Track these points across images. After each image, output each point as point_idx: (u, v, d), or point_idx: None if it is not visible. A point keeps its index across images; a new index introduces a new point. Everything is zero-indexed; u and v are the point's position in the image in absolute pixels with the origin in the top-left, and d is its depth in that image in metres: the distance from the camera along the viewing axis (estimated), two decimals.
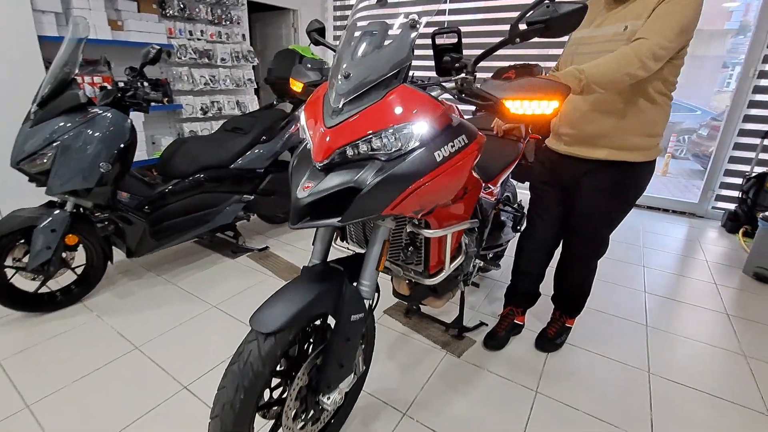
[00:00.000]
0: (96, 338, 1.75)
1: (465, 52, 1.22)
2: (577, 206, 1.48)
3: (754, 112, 3.29)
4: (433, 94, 1.04)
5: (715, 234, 3.31)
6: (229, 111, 3.52)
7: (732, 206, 3.42)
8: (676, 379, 1.63)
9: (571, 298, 1.73)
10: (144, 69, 1.97)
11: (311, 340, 1.13)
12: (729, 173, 3.51)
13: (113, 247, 2.03)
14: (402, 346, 1.76)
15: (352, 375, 1.11)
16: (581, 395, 1.53)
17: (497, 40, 0.95)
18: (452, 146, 1.00)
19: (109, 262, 1.99)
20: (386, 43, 1.00)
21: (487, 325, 1.91)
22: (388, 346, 1.76)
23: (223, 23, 3.29)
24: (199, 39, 3.23)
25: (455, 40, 1.17)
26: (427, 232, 1.09)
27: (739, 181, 3.41)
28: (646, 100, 1.27)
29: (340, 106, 0.94)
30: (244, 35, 3.50)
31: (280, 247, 2.70)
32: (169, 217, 2.15)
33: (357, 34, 1.06)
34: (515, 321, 1.84)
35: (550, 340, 1.76)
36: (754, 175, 3.23)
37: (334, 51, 1.30)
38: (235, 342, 1.72)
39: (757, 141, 3.27)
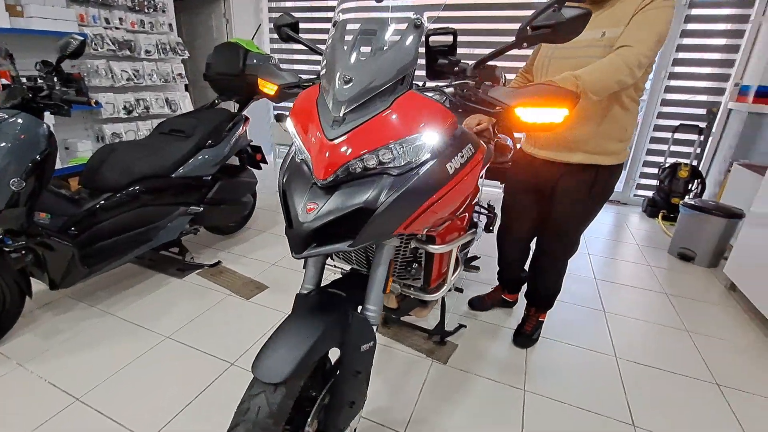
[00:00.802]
0: (21, 393, 1.43)
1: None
2: (554, 208, 1.52)
3: (666, 109, 3.72)
4: (434, 99, 0.97)
5: (638, 219, 3.70)
6: (157, 110, 3.13)
7: (650, 193, 3.83)
8: (639, 360, 1.76)
9: (545, 295, 1.79)
10: (61, 64, 1.65)
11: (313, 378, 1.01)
12: (647, 164, 3.94)
13: (33, 278, 1.68)
14: (387, 359, 1.69)
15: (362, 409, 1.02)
16: (564, 388, 1.59)
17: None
18: (462, 156, 0.94)
19: (27, 297, 1.65)
20: (387, 44, 0.91)
21: (465, 326, 1.92)
22: (379, 363, 1.68)
23: (146, 11, 2.90)
24: (117, 28, 2.80)
25: (450, 41, 1.11)
26: (433, 248, 1.03)
27: (655, 170, 3.83)
28: (620, 107, 1.33)
29: (342, 114, 0.84)
30: (171, 25, 3.11)
31: (234, 261, 2.46)
32: (101, 238, 1.84)
33: (349, 33, 0.95)
34: (504, 297, 2.06)
35: (527, 336, 1.81)
36: (667, 165, 3.65)
37: (313, 50, 1.18)
38: (202, 377, 1.54)
39: (668, 135, 3.70)
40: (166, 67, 3.12)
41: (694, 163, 3.62)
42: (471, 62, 1.02)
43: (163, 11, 3.05)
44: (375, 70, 0.85)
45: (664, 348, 1.87)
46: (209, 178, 2.27)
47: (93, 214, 1.78)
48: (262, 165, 2.75)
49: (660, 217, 3.58)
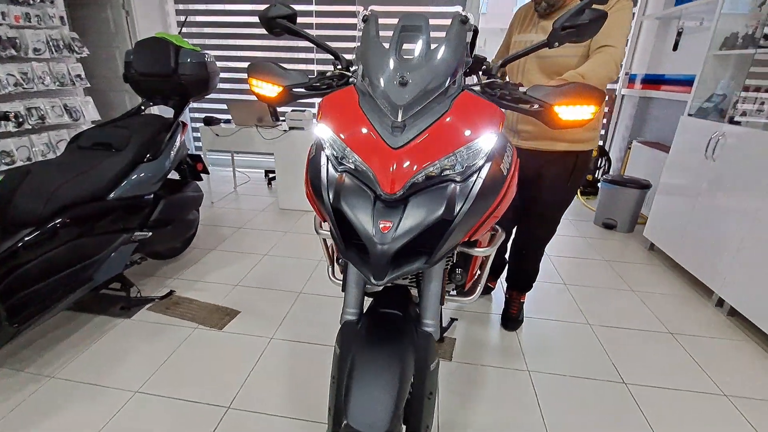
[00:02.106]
0: None
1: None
2: (539, 194, 1.62)
3: None
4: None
5: None
6: (55, 120, 2.57)
7: None
8: (608, 324, 1.98)
9: (527, 277, 1.90)
10: None
11: None
12: None
13: None
14: None
15: None
16: (559, 361, 1.71)
17: None
18: (508, 157, 0.94)
19: None
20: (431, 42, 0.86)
21: (457, 319, 1.95)
22: None
23: (30, 2, 2.34)
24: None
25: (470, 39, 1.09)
26: (479, 251, 1.01)
27: None
28: None
29: (403, 120, 0.77)
30: (62, 18, 2.56)
31: (189, 288, 2.17)
32: (28, 285, 1.46)
33: (386, 29, 0.88)
34: (487, 284, 2.08)
35: (514, 319, 1.91)
36: None
37: (322, 47, 1.07)
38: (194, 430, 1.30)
39: None
40: (61, 67, 2.57)
41: (600, 143, 4.16)
42: (498, 61, 1.02)
43: (51, 2, 2.50)
44: (432, 70, 0.79)
45: (620, 308, 2.13)
46: (151, 197, 1.95)
47: (13, 255, 1.40)
48: (203, 176, 2.46)
49: (579, 192, 4.05)
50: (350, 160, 0.80)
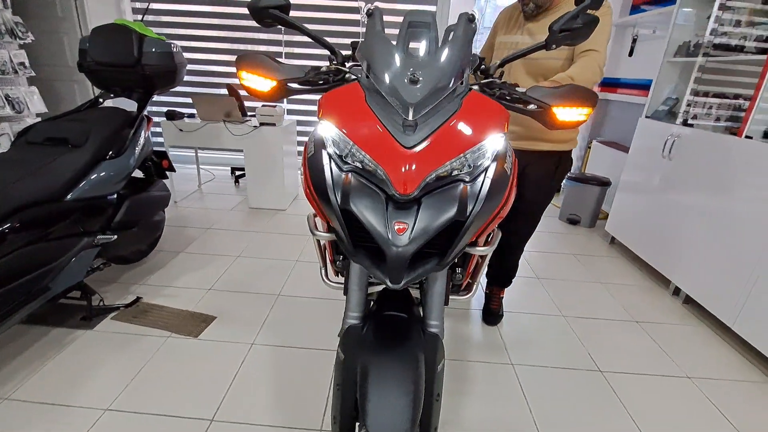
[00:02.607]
0: None
1: None
2: (524, 193, 1.66)
3: None
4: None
5: None
6: None
7: None
8: (580, 315, 2.08)
9: (507, 273, 1.95)
10: None
11: None
12: None
13: None
14: None
15: None
16: (538, 353, 1.77)
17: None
18: (509, 157, 0.94)
19: None
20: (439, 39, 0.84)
21: None
22: None
23: None
24: None
25: None
26: (480, 250, 1.01)
27: None
28: None
29: (414, 118, 0.75)
30: (4, 1, 2.30)
31: (157, 294, 2.03)
32: None
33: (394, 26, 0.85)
34: None
35: (495, 314, 1.96)
36: None
37: (318, 40, 1.02)
38: None
39: None
40: (2, 54, 2.30)
41: None
42: (496, 61, 1.02)
43: None
44: (442, 68, 0.78)
45: (589, 299, 2.24)
46: (114, 197, 1.80)
47: None
48: (168, 173, 2.31)
49: None
50: (357, 159, 0.77)
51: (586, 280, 2.45)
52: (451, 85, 0.79)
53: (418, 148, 0.74)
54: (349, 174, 0.79)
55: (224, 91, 3.54)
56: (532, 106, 0.95)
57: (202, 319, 1.85)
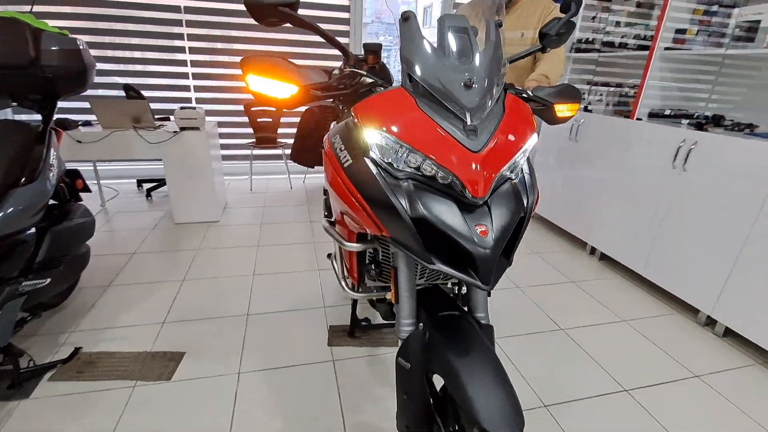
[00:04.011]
0: None
1: None
2: None
3: None
4: None
5: None
6: None
7: None
8: (528, 283, 2.35)
9: None
10: None
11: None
12: None
13: None
14: (388, 369, 1.64)
15: None
16: (511, 324, 1.97)
17: None
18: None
19: None
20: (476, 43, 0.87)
21: None
22: (378, 375, 1.60)
23: None
24: None
25: None
26: None
27: None
28: None
29: (475, 123, 0.78)
30: None
31: (95, 339, 1.71)
32: None
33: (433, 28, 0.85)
34: None
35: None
36: None
37: (330, 40, 0.97)
38: None
39: None
40: None
41: None
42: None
43: None
44: (491, 72, 0.81)
45: (532, 270, 2.54)
46: (33, 231, 1.46)
47: None
48: (82, 195, 1.94)
49: None
50: (413, 165, 0.76)
51: (523, 253, 2.76)
52: (497, 87, 0.83)
53: (484, 152, 0.76)
54: (409, 182, 0.78)
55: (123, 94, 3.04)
56: (540, 105, 1.05)
57: (168, 357, 1.63)
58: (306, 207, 3.42)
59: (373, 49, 1.04)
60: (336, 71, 0.98)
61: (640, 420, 1.45)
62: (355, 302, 1.78)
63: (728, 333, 1.96)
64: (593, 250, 2.76)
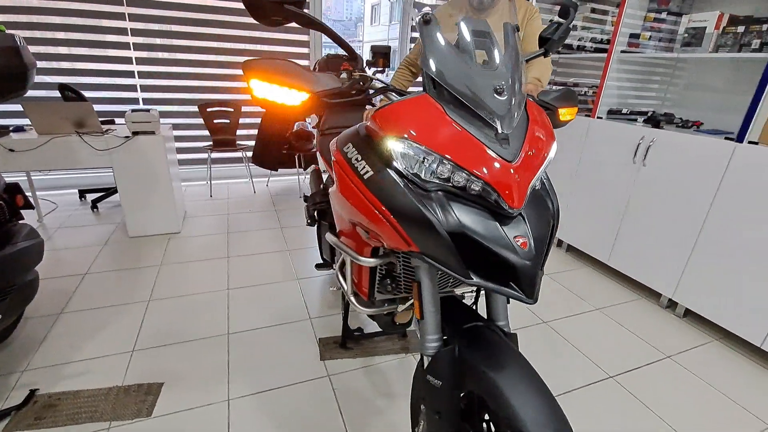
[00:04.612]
0: None
1: None
2: None
3: None
4: None
5: None
6: None
7: None
8: None
9: None
10: None
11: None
12: None
13: None
14: (387, 378, 1.60)
15: None
16: None
17: None
18: None
19: None
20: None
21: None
22: (377, 385, 1.55)
23: None
24: None
25: None
26: None
27: None
28: None
29: (507, 131, 0.76)
30: None
31: (53, 377, 1.50)
32: None
33: (460, 33, 0.82)
34: None
35: None
36: None
37: (339, 41, 0.90)
38: None
39: None
40: None
41: None
42: None
43: None
44: (515, 78, 0.80)
45: None
46: None
47: None
48: (23, 212, 1.70)
49: None
50: (446, 175, 0.73)
51: None
52: (522, 94, 0.82)
53: (519, 161, 0.75)
54: (439, 193, 0.75)
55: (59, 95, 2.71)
56: (546, 109, 1.06)
57: (145, 391, 1.47)
58: (273, 212, 3.27)
59: (383, 52, 0.99)
60: (344, 74, 0.92)
61: (628, 403, 1.53)
62: (346, 312, 1.72)
63: (688, 313, 2.14)
64: (560, 242, 2.90)
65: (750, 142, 1.80)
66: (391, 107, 0.80)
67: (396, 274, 1.07)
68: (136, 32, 3.20)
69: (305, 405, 1.44)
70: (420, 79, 1.01)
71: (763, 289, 1.75)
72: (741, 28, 1.92)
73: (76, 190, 3.26)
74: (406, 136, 0.75)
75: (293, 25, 3.19)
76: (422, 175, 0.76)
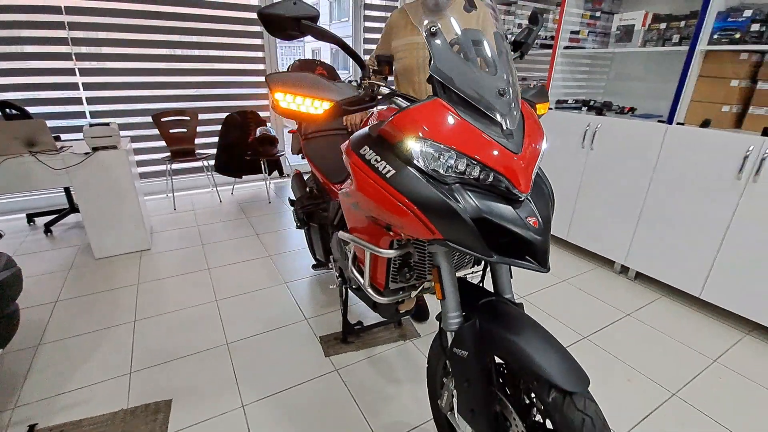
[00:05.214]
0: None
1: None
2: None
3: None
4: None
5: None
6: None
7: None
8: None
9: None
10: None
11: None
12: None
13: None
14: (391, 365, 1.69)
15: None
16: None
17: None
18: None
19: None
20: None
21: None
22: (384, 374, 1.64)
23: None
24: None
25: None
26: None
27: None
28: None
29: (511, 127, 0.88)
30: None
31: (49, 410, 1.44)
32: None
33: (450, 40, 0.92)
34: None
35: (420, 307, 2.16)
36: None
37: (348, 51, 0.97)
38: None
39: None
40: None
41: None
42: None
43: None
44: (512, 80, 0.92)
45: None
46: None
47: None
48: None
49: None
50: (461, 169, 0.84)
51: None
52: (518, 94, 0.94)
53: (523, 152, 0.87)
54: (458, 185, 0.86)
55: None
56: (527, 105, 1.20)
57: (153, 409, 1.45)
58: (245, 220, 3.22)
59: (387, 60, 1.08)
60: (353, 82, 0.99)
61: (602, 359, 1.75)
62: (345, 308, 1.79)
63: (638, 276, 2.44)
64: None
65: (678, 123, 2.10)
66: (407, 112, 0.89)
67: (412, 263, 1.16)
68: (77, 42, 3.00)
69: (320, 400, 1.50)
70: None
71: (697, 248, 2.06)
72: (663, 25, 2.22)
73: (24, 215, 3.00)
74: (424, 136, 0.85)
75: (250, 29, 3.12)
76: (440, 170, 0.86)
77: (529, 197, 0.89)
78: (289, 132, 2.19)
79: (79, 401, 1.48)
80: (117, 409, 1.45)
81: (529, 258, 0.85)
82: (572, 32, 2.62)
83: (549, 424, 0.94)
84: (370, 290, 1.20)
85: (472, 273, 1.35)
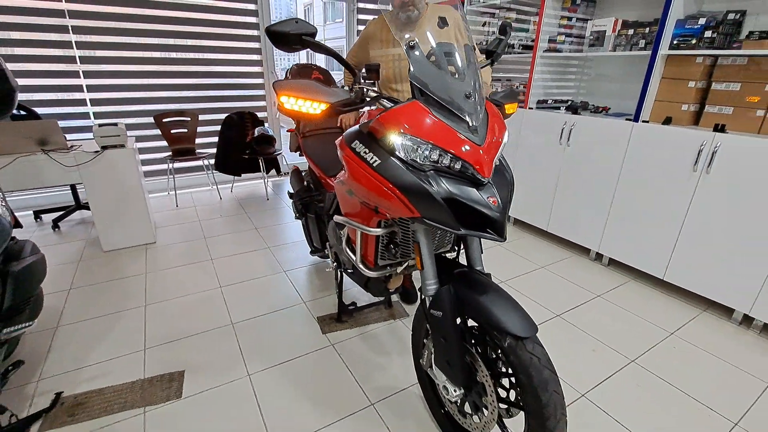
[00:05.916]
0: None
1: None
2: None
3: None
4: None
5: None
6: None
7: None
8: None
9: None
10: None
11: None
12: None
13: None
14: (381, 341, 1.87)
15: None
16: None
17: None
18: None
19: None
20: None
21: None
22: (375, 347, 1.82)
23: None
24: None
25: None
26: None
27: None
28: None
29: (476, 124, 1.06)
30: None
31: (73, 381, 1.59)
32: None
33: (421, 51, 1.10)
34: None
35: (408, 291, 2.35)
36: None
37: (341, 61, 1.14)
38: None
39: None
40: None
41: None
42: None
43: None
44: (477, 84, 1.10)
45: None
46: None
47: None
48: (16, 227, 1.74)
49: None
50: (431, 158, 1.01)
51: None
52: (482, 96, 1.12)
53: (485, 144, 1.05)
54: (432, 172, 1.04)
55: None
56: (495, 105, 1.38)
57: (168, 379, 1.61)
58: (245, 215, 3.38)
59: (374, 68, 1.25)
60: (345, 87, 1.17)
61: (572, 333, 1.94)
62: (340, 290, 1.96)
63: (611, 262, 2.64)
64: (507, 217, 3.33)
65: (643, 121, 2.30)
66: (391, 112, 1.07)
67: (397, 240, 1.34)
68: (81, 45, 3.14)
69: (318, 369, 1.67)
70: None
71: (660, 234, 2.26)
72: (631, 31, 2.42)
73: (31, 212, 3.14)
74: (405, 132, 1.03)
75: (248, 33, 3.27)
76: (418, 160, 1.03)
77: (491, 181, 1.07)
78: (287, 131, 2.35)
79: (99, 374, 1.64)
80: (135, 380, 1.61)
81: (489, 230, 1.03)
82: (550, 39, 2.81)
83: (509, 371, 1.13)
84: (361, 266, 1.37)
85: (450, 252, 1.53)
